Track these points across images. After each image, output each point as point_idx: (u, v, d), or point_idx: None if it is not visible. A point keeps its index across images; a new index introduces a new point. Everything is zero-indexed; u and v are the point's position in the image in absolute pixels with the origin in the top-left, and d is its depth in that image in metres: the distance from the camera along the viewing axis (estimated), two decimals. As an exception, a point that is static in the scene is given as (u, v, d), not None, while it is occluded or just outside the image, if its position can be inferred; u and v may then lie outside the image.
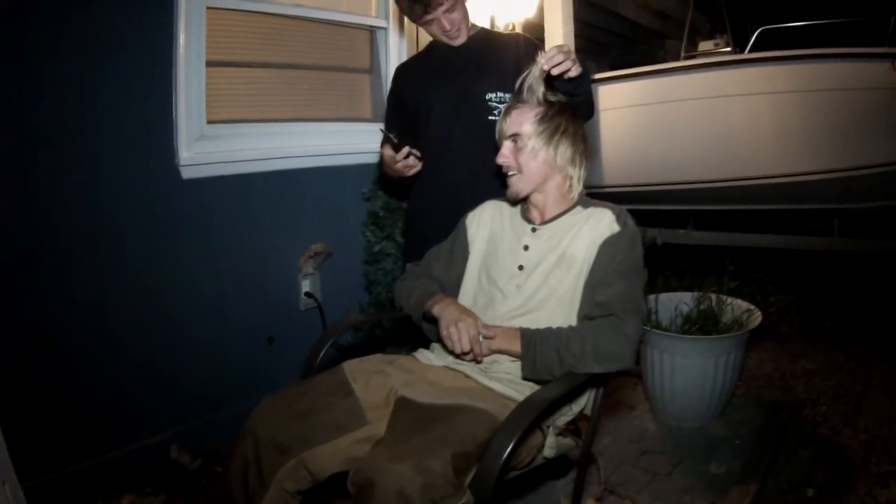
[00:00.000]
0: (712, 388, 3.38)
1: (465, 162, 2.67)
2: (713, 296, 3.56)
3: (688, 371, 3.35)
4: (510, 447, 1.61)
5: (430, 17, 2.60)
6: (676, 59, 7.02)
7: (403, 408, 1.91)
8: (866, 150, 5.53)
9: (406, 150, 2.50)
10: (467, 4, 2.71)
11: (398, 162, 2.53)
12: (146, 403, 2.88)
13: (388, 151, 2.55)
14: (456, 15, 2.64)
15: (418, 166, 2.58)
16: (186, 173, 2.97)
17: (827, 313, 5.20)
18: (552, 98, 2.19)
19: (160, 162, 2.89)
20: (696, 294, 3.63)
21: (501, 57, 2.70)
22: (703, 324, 3.50)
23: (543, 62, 2.15)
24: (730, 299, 3.58)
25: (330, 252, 3.46)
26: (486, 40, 2.78)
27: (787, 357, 4.43)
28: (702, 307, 3.56)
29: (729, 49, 6.98)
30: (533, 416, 1.72)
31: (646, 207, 6.55)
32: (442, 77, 2.70)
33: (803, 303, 4.95)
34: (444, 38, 2.71)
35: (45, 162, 2.55)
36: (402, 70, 2.96)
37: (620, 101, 6.40)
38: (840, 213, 6.17)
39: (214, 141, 3.09)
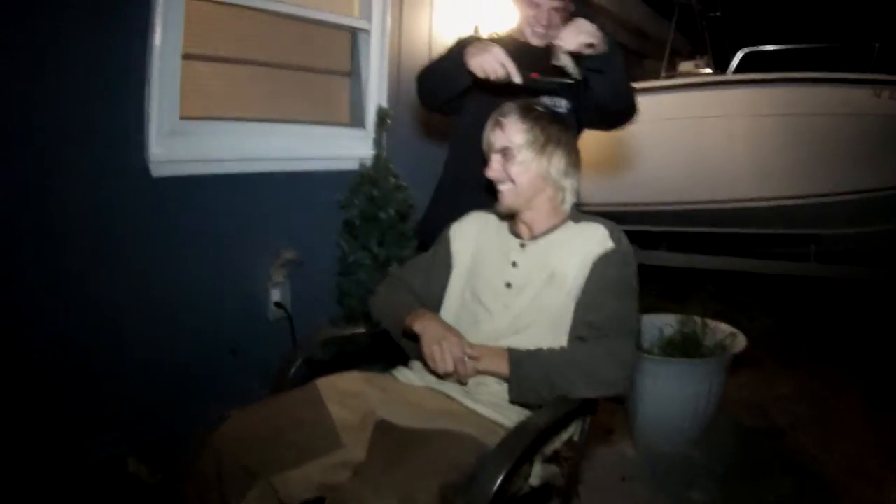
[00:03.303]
0: (694, 412, 3.33)
1: None
2: (697, 319, 3.49)
3: (670, 395, 3.29)
4: (501, 476, 1.49)
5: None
6: (656, 78, 6.96)
7: (384, 432, 1.77)
8: (846, 175, 5.51)
9: (517, 78, 2.24)
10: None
11: (504, 68, 2.23)
12: (105, 413, 2.71)
13: (504, 57, 2.24)
14: (556, 18, 2.52)
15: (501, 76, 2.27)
16: (156, 171, 2.81)
17: (802, 338, 5.15)
18: (540, 108, 2.08)
19: (130, 158, 2.74)
20: (679, 317, 3.57)
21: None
22: (685, 347, 3.43)
23: (564, 43, 2.10)
24: (713, 322, 3.52)
25: (300, 260, 3.31)
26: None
27: (763, 382, 4.36)
28: (685, 330, 3.49)
29: (709, 70, 6.93)
30: (525, 444, 1.60)
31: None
32: None
33: (779, 328, 4.91)
34: (527, 29, 2.57)
35: (9, 152, 2.40)
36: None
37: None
38: (816, 239, 6.13)
39: (187, 138, 2.95)
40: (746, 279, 6.32)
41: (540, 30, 2.54)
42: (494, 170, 2.04)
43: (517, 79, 2.20)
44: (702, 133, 5.95)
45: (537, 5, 2.50)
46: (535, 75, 2.20)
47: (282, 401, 1.89)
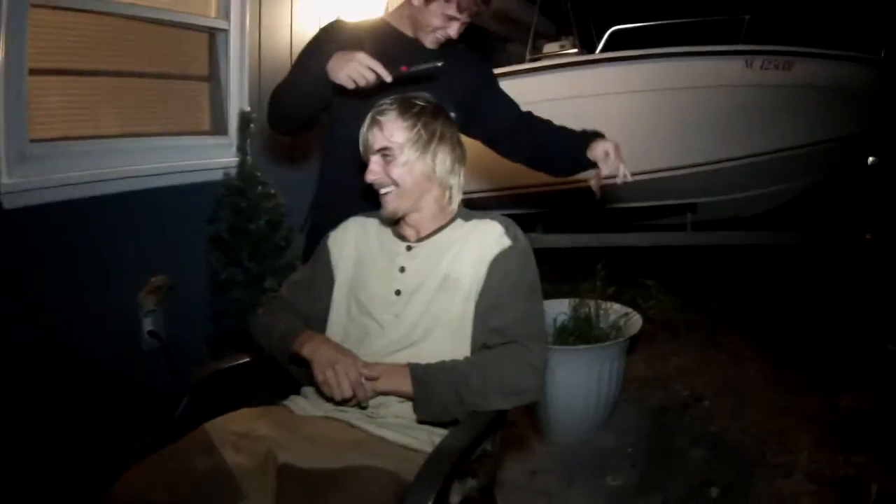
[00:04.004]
0: (597, 398, 3.28)
1: None
2: (591, 302, 3.45)
3: (570, 383, 3.22)
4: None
5: (454, 14, 2.32)
6: (521, 62, 6.92)
7: (289, 478, 1.58)
8: (720, 145, 5.66)
9: (388, 78, 2.10)
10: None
11: (373, 72, 2.09)
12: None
13: (370, 60, 2.10)
14: (460, 30, 2.39)
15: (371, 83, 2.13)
16: (8, 202, 2.56)
17: (693, 309, 5.18)
18: (421, 102, 1.93)
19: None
20: (573, 301, 3.52)
21: (455, 69, 2.39)
22: (580, 332, 3.40)
23: (617, 176, 2.41)
24: (606, 304, 3.49)
25: (171, 285, 3.09)
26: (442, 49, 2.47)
27: (657, 356, 4.39)
28: (579, 315, 3.46)
29: (576, 51, 6.94)
30: (446, 471, 1.47)
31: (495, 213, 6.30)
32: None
33: (670, 301, 4.95)
34: (428, 36, 2.39)
35: None
36: (347, 35, 2.42)
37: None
38: (692, 207, 6.26)
39: (39, 163, 2.70)
40: (633, 255, 6.38)
41: (442, 39, 2.39)
42: (374, 173, 1.88)
43: (388, 78, 2.07)
44: (572, 113, 5.91)
45: (453, 19, 2.35)
46: (403, 68, 2.10)
47: (172, 454, 1.66)
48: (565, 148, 2.55)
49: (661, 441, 3.28)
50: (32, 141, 2.69)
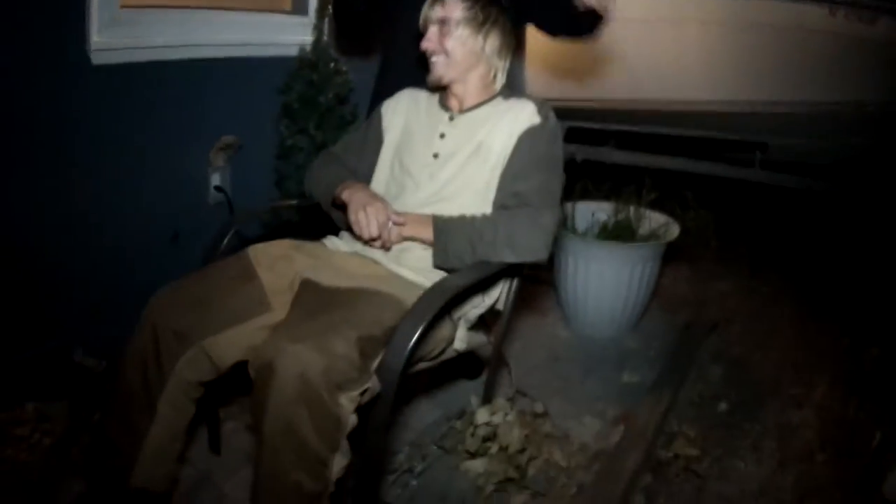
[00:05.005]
0: (626, 297, 3.37)
1: None
2: (632, 206, 3.54)
3: (602, 279, 3.33)
4: (419, 332, 1.55)
5: None
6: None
7: (307, 290, 1.82)
8: (796, 87, 5.57)
9: None
10: None
11: None
12: (47, 306, 2.70)
13: None
14: None
15: None
16: (97, 59, 2.75)
17: (743, 240, 5.25)
18: None
19: (69, 45, 2.67)
20: (614, 203, 3.61)
21: None
22: (619, 233, 3.48)
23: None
24: (648, 211, 3.57)
25: (240, 144, 3.29)
26: None
27: (701, 278, 4.44)
28: (619, 217, 3.54)
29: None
30: (443, 301, 1.65)
31: (568, 124, 6.41)
32: None
33: (720, 227, 5.00)
34: None
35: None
36: None
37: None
38: (763, 147, 6.21)
39: (127, 26, 2.88)
40: (689, 181, 6.37)
41: None
42: (430, 41, 2.07)
43: None
44: (654, 35, 5.92)
45: None
46: None
47: (214, 268, 1.94)
48: None
49: (684, 352, 3.34)
50: (123, 7, 2.87)
